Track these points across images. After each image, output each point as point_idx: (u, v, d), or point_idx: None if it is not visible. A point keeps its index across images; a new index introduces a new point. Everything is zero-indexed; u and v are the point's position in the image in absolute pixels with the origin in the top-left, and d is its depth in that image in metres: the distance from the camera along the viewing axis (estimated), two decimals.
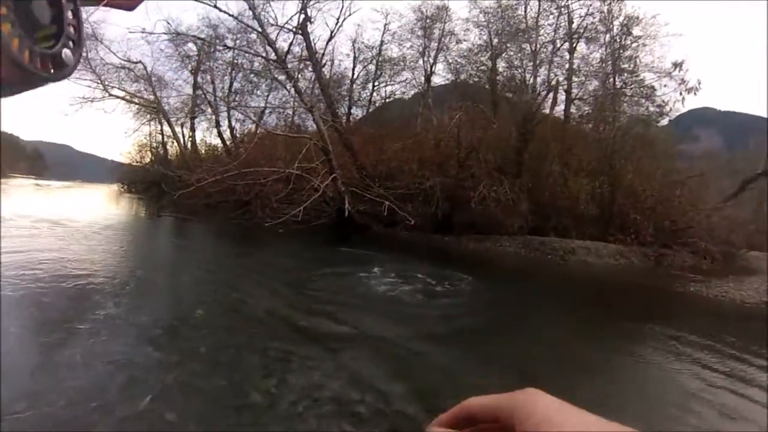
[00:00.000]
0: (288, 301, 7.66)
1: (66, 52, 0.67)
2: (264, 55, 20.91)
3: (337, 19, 21.23)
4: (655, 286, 14.09)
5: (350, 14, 22.32)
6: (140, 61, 27.44)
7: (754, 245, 24.90)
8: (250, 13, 19.42)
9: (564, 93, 23.07)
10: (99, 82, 26.72)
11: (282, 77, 21.59)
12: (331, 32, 21.96)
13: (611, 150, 20.95)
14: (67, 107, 27.69)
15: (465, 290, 10.09)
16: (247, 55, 23.96)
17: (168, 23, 28.23)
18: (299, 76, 24.79)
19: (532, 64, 21.89)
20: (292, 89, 21.03)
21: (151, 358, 4.87)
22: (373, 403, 4.25)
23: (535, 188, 19.44)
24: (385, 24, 27.03)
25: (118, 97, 28.07)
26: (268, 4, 19.73)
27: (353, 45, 28.01)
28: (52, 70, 0.65)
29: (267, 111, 26.09)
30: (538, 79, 22.46)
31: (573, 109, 23.48)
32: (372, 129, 24.55)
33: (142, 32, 21.47)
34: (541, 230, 18.25)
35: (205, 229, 18.52)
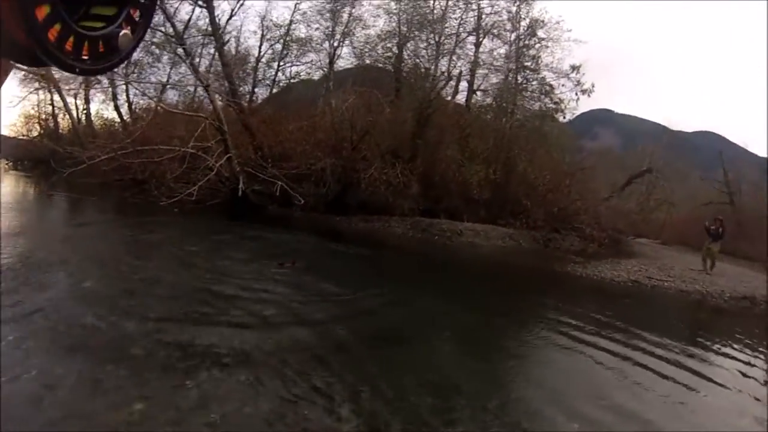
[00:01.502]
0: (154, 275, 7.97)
1: (124, 35, 0.63)
2: (162, 29, 19.81)
3: None
4: (535, 265, 15.58)
5: None
6: None
7: (641, 233, 27.24)
8: None
9: (467, 83, 24.26)
10: None
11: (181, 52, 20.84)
12: (232, 10, 21.77)
13: (507, 139, 22.23)
14: None
15: (335, 265, 10.40)
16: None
17: None
18: (203, 51, 24.36)
19: (435, 53, 22.54)
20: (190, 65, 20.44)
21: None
22: None
23: (428, 172, 20.22)
24: (296, 3, 26.43)
25: None
26: None
27: (261, 22, 27.12)
28: (102, 53, 0.60)
29: (168, 87, 25.02)
30: (441, 69, 23.34)
31: (474, 100, 24.76)
32: (272, 110, 24.27)
33: None
34: (433, 212, 18.99)
35: (98, 208, 17.76)
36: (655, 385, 5.63)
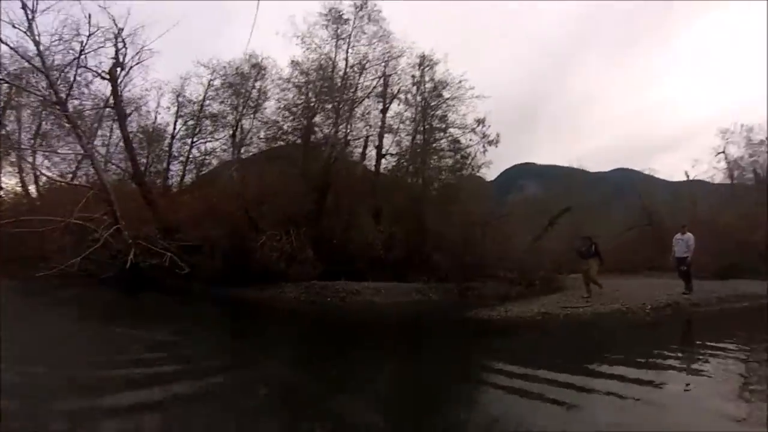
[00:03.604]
0: None
1: None
2: (47, 95, 19.88)
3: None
4: (437, 315, 15.38)
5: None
6: None
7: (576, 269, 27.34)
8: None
9: (375, 148, 24.72)
10: None
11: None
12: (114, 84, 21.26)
13: (417, 197, 22.69)
14: None
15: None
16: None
17: None
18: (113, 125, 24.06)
19: (335, 119, 23.05)
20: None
21: None
22: None
23: (326, 236, 20.40)
24: (210, 80, 26.83)
25: None
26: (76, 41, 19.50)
27: (177, 98, 27.43)
28: None
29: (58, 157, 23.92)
30: (349, 135, 24.03)
31: (385, 162, 25.34)
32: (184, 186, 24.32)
33: None
34: (333, 275, 18.77)
35: None
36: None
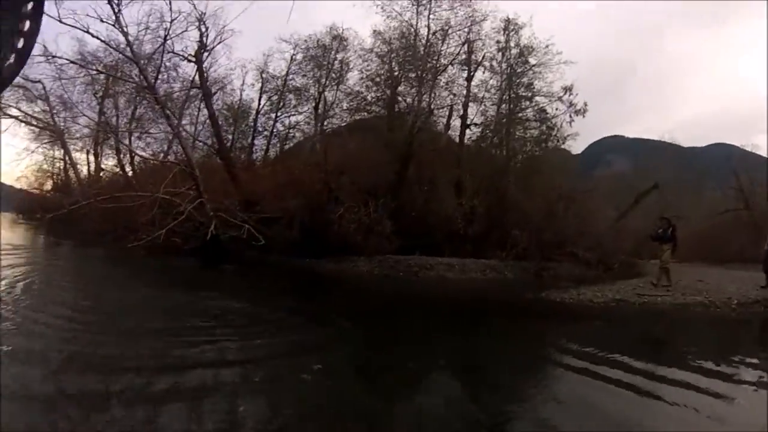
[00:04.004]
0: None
1: (7, 66, 0.66)
2: (137, 80, 21.00)
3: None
4: (506, 294, 14.74)
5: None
6: (40, 81, 25.66)
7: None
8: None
9: (460, 118, 23.93)
10: None
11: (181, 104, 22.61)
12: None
13: (500, 170, 21.90)
14: None
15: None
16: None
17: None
18: (200, 104, 25.22)
19: (419, 88, 22.44)
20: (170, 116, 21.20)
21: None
22: None
23: (405, 209, 20.06)
24: (292, 55, 27.20)
25: (11, 116, 25.80)
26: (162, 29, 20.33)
27: (261, 75, 28.14)
28: None
29: (145, 136, 26.26)
30: (433, 105, 23.35)
31: (469, 134, 24.49)
32: (263, 159, 25.60)
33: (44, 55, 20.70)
34: (409, 250, 18.57)
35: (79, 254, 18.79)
36: None
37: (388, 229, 18.61)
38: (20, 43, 0.68)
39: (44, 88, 26.08)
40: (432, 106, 23.07)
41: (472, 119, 23.99)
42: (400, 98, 23.77)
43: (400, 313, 11.50)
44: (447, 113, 24.03)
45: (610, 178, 32.58)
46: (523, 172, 22.92)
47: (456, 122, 24.13)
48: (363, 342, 8.06)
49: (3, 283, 10.46)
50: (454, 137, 24.47)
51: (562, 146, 24.56)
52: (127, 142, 26.14)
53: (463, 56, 23.34)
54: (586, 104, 22.51)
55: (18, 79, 24.29)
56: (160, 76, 21.64)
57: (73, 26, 18.15)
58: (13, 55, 0.68)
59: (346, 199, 18.93)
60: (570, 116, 22.62)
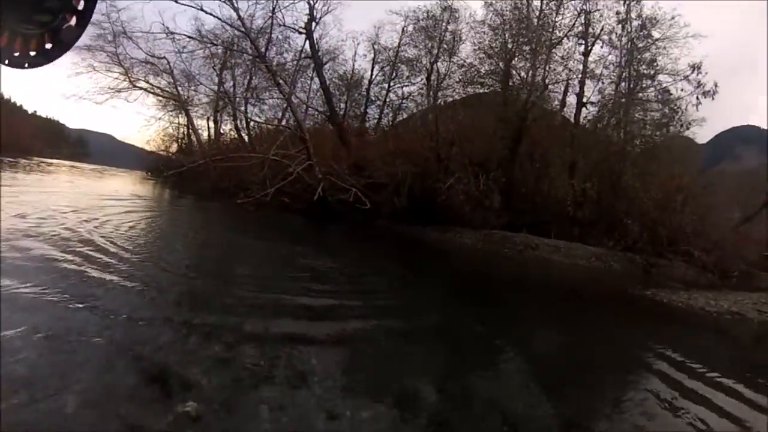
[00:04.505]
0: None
1: (67, 27, 0.68)
2: (249, 51, 22.53)
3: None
4: (608, 287, 13.61)
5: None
6: (164, 57, 28.49)
7: None
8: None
9: (575, 96, 22.74)
10: (126, 75, 28.21)
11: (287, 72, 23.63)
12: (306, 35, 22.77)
13: (616, 154, 20.69)
14: (97, 97, 28.71)
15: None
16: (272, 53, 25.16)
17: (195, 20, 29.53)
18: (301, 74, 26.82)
19: (533, 62, 21.66)
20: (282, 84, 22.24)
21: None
22: None
23: (515, 185, 19.61)
24: (403, 27, 27.27)
25: (141, 88, 29.53)
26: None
27: (372, 46, 28.67)
28: (49, 46, 0.69)
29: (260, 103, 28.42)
30: (547, 80, 22.35)
31: (585, 113, 23.09)
32: (375, 127, 26.43)
33: (165, 33, 22.63)
34: (515, 227, 18.12)
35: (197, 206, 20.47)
36: None
37: (497, 204, 18.28)
38: (81, 5, 0.68)
39: (168, 63, 28.73)
40: (546, 81, 22.04)
41: (589, 97, 22.67)
42: (513, 72, 22.82)
43: (503, 292, 10.96)
44: (562, 90, 22.94)
45: (739, 174, 29.82)
46: (640, 158, 21.14)
47: (571, 99, 22.93)
48: (457, 315, 7.56)
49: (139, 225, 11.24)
50: (569, 115, 23.21)
51: (686, 133, 22.27)
52: (243, 109, 28.47)
53: (580, 28, 22.11)
54: (716, 85, 20.30)
55: (145, 56, 27.06)
56: (272, 48, 23.35)
57: (188, 5, 20.02)
58: (74, 17, 0.68)
59: (457, 170, 18.72)
60: (697, 98, 20.48)
